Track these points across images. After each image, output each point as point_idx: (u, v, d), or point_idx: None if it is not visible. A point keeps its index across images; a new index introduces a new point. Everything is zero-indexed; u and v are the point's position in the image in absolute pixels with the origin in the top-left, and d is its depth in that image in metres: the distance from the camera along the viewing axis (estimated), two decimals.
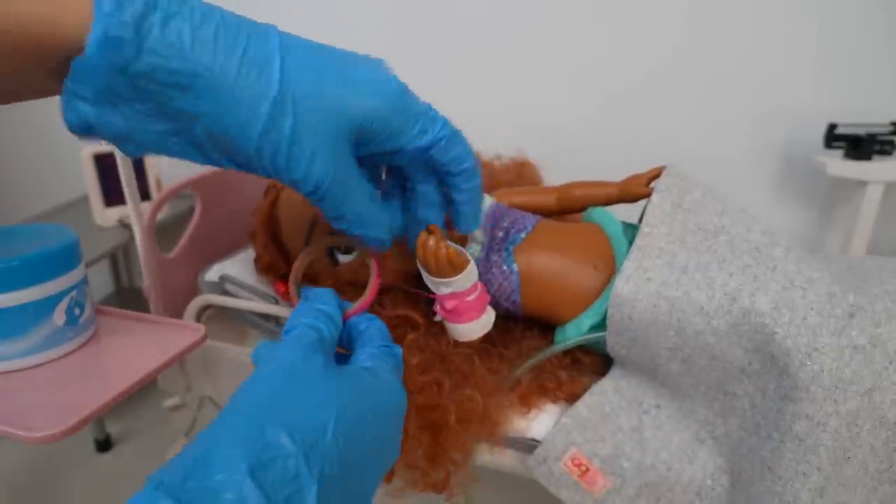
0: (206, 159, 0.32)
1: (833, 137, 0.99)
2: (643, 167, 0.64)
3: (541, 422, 0.55)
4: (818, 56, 1.07)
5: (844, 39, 1.04)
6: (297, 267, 0.43)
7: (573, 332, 0.54)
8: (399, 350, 0.36)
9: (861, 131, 0.98)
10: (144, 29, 0.26)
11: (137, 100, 0.28)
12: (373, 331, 0.37)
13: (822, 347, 0.43)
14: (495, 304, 0.56)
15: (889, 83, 1.05)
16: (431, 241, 0.42)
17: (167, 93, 0.28)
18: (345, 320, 0.38)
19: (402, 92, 0.33)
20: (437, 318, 0.50)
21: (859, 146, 0.98)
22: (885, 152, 0.98)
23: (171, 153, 0.31)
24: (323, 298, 0.36)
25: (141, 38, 0.26)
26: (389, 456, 0.32)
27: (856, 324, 0.44)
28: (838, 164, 0.99)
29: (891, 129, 0.98)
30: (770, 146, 1.14)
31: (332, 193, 0.32)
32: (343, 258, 0.58)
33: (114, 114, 0.28)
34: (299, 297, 0.38)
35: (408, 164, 0.38)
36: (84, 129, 0.29)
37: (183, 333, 0.58)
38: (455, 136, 0.36)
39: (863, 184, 0.98)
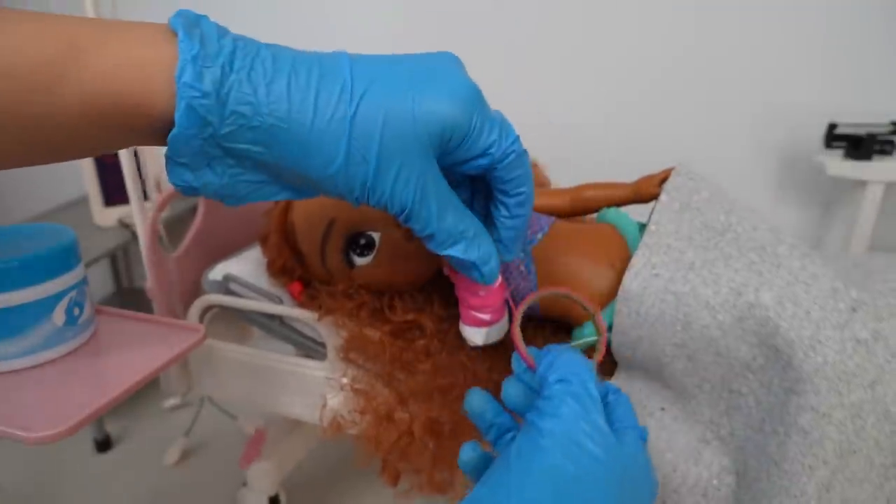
0: (302, 195, 0.33)
1: (833, 137, 0.99)
2: (644, 167, 0.64)
3: None
4: (818, 56, 1.07)
5: (844, 39, 1.04)
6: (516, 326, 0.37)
7: (591, 332, 0.54)
8: (646, 432, 0.33)
9: (861, 131, 0.98)
10: (223, 93, 0.27)
11: (228, 156, 0.29)
12: (621, 407, 0.34)
13: (825, 340, 0.43)
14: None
15: (889, 83, 1.05)
16: None
17: (252, 149, 0.29)
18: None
19: (478, 95, 0.32)
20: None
21: (859, 146, 0.98)
22: (885, 152, 0.98)
23: (269, 198, 0.32)
24: (581, 375, 0.31)
25: (221, 103, 0.27)
26: None
27: (858, 318, 0.44)
28: (838, 164, 0.99)
29: (891, 129, 0.98)
30: (770, 146, 1.14)
31: (419, 212, 0.31)
32: (359, 260, 0.58)
33: (210, 173, 0.30)
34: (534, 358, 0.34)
35: (463, 178, 0.36)
36: (189, 192, 0.30)
37: (183, 334, 0.58)
38: (522, 156, 0.34)
39: (863, 184, 0.99)
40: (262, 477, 0.92)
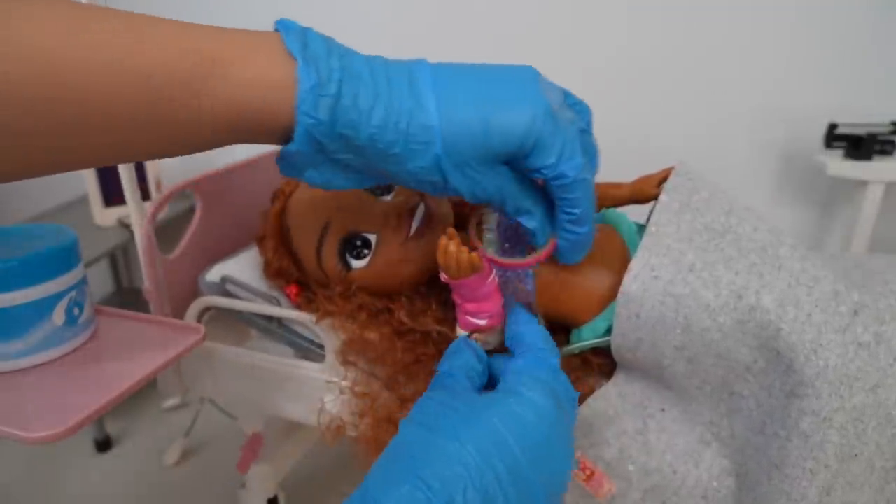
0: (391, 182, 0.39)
1: (833, 137, 0.99)
2: (643, 167, 0.64)
3: None
4: (818, 56, 1.07)
5: (844, 39, 1.04)
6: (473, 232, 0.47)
7: (589, 335, 0.54)
8: (555, 360, 0.38)
9: (861, 131, 0.98)
10: (335, 116, 0.32)
11: (330, 162, 0.35)
12: (529, 337, 0.40)
13: (826, 343, 0.43)
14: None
15: (889, 83, 1.05)
16: (452, 247, 0.42)
17: (350, 158, 0.35)
18: (517, 267, 0.44)
19: (545, 118, 0.36)
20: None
21: (859, 146, 0.98)
22: (885, 152, 0.98)
23: (359, 186, 0.38)
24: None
25: (332, 127, 0.33)
26: (554, 480, 0.33)
27: (860, 321, 0.44)
28: (838, 164, 0.99)
29: (891, 129, 0.98)
30: (770, 146, 1.14)
31: (497, 200, 0.38)
32: (355, 263, 0.58)
33: (315, 173, 0.36)
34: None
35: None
36: (294, 177, 0.37)
37: (182, 334, 0.58)
38: (580, 183, 0.38)
39: (863, 184, 0.99)
40: (261, 479, 0.92)
